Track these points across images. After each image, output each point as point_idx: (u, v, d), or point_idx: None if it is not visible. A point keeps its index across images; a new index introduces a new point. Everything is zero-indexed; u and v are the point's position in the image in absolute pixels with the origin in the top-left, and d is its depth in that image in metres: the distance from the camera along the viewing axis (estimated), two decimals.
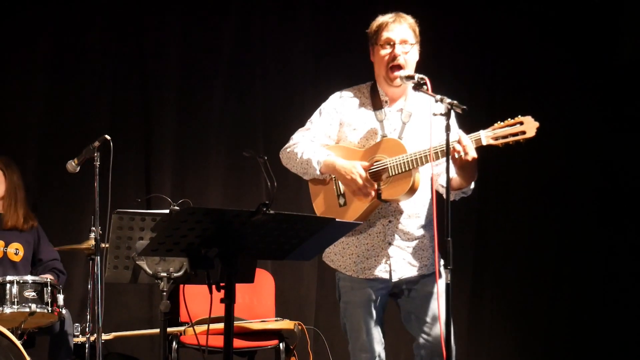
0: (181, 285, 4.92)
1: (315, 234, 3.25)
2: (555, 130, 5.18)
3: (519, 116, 3.74)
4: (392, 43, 3.91)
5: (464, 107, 3.59)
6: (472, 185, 3.95)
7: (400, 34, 3.92)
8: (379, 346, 3.99)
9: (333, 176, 3.98)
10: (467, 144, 3.68)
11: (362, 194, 3.85)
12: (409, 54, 3.93)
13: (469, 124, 3.87)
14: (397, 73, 3.89)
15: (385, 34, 3.93)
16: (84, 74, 6.10)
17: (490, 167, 4.21)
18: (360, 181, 3.83)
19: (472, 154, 3.69)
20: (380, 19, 3.97)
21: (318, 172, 3.95)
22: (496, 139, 3.73)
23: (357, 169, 3.86)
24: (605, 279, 6.31)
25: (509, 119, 3.74)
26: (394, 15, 3.96)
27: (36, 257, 5.42)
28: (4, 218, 5.39)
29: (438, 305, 3.82)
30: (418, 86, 3.80)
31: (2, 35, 6.01)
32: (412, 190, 3.84)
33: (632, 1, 6.21)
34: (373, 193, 3.84)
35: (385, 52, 3.92)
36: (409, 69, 3.92)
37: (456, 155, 3.68)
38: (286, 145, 4.07)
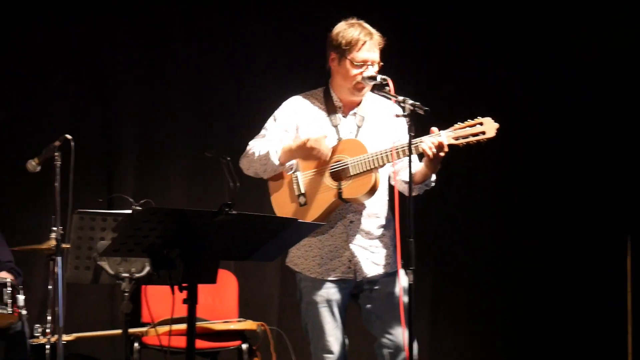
0: (143, 286, 4.94)
1: (278, 234, 3.26)
2: (514, 131, 5.24)
3: (479, 117, 3.79)
4: (365, 63, 3.91)
5: (427, 108, 3.64)
6: (434, 177, 3.97)
7: (374, 55, 3.93)
8: (341, 346, 4.00)
9: (293, 175, 3.98)
10: (441, 140, 3.74)
11: (325, 156, 3.89)
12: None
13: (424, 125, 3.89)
14: (364, 73, 3.91)
15: (360, 55, 3.90)
16: (43, 72, 6.05)
17: (452, 167, 4.25)
18: (318, 142, 3.86)
19: (446, 149, 3.75)
20: (351, 32, 3.93)
21: (277, 162, 3.95)
22: (457, 139, 3.79)
23: (311, 136, 3.89)
24: (564, 277, 6.40)
25: (469, 120, 3.79)
26: (368, 33, 3.93)
27: None
28: None
29: (401, 304, 3.85)
30: (380, 87, 3.84)
31: None
32: (373, 190, 3.87)
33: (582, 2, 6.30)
34: (326, 192, 3.88)
35: (357, 71, 3.91)
36: None
37: (429, 151, 3.73)
38: (244, 154, 4.07)
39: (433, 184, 4.02)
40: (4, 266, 5.30)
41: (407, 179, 3.69)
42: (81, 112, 6.08)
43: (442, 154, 3.76)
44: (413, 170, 3.71)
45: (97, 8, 6.15)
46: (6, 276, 5.06)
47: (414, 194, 3.69)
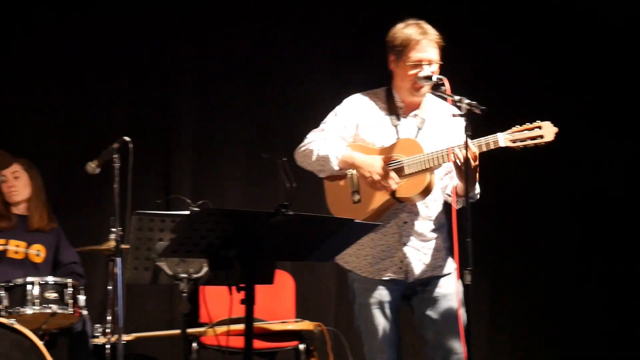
0: (201, 287, 4.97)
1: (334, 235, 3.26)
2: (570, 135, 5.19)
3: (538, 121, 3.75)
4: (421, 62, 3.87)
5: (484, 107, 3.61)
6: (478, 190, 3.92)
7: (430, 54, 3.88)
8: (395, 348, 3.98)
9: (349, 173, 3.97)
10: (470, 147, 3.65)
11: (382, 187, 3.84)
12: (435, 73, 3.89)
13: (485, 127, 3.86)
14: (420, 73, 3.88)
15: (415, 55, 3.86)
16: (102, 76, 6.14)
17: (507, 169, 4.21)
18: (378, 175, 3.83)
19: (475, 161, 3.68)
20: (407, 33, 3.89)
21: (336, 168, 3.94)
22: (514, 141, 3.74)
23: (376, 162, 3.85)
24: (625, 277, 6.30)
25: (528, 124, 3.75)
26: (421, 29, 3.89)
27: (56, 258, 5.46)
28: (29, 220, 5.43)
29: (459, 306, 3.83)
30: (436, 87, 3.82)
31: (20, 40, 6.07)
32: (427, 191, 3.83)
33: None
34: (394, 185, 3.83)
35: (414, 71, 3.87)
36: None
37: (458, 161, 3.68)
38: (300, 145, 4.06)
39: (478, 197, 3.95)
40: (67, 269, 5.39)
41: (450, 192, 3.68)
42: (139, 115, 6.16)
43: (473, 163, 3.68)
44: (454, 184, 3.72)
45: (156, 10, 6.23)
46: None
47: (458, 206, 3.68)
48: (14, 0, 6.09)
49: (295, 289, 5.89)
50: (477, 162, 3.69)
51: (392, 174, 3.84)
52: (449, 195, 3.85)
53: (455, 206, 3.64)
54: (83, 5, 6.14)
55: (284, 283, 5.84)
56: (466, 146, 3.61)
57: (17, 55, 6.08)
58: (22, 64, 6.07)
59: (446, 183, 3.93)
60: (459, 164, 3.68)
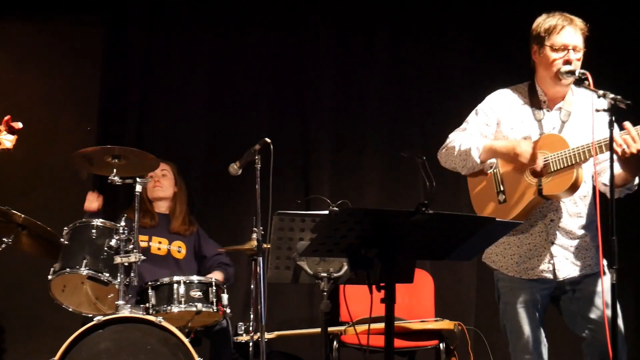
0: (341, 286, 4.98)
1: (475, 233, 3.21)
2: None
3: None
4: (567, 47, 3.82)
5: (629, 102, 3.50)
6: (637, 180, 3.82)
7: (575, 39, 3.84)
8: (541, 347, 3.93)
9: (493, 172, 3.94)
10: (634, 135, 3.57)
11: (531, 164, 3.78)
12: (579, 61, 3.84)
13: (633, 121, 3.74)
14: (562, 68, 3.81)
15: (559, 39, 3.83)
16: (243, 81, 6.27)
17: None
18: (526, 153, 3.76)
19: (637, 146, 3.58)
20: (552, 21, 3.86)
21: (478, 160, 3.93)
22: None
23: (520, 143, 3.81)
24: None
25: None
26: (567, 19, 3.85)
27: (200, 254, 5.60)
28: (171, 222, 5.60)
29: (604, 304, 3.74)
30: (579, 82, 3.75)
31: (167, 52, 6.26)
32: (575, 187, 3.76)
33: None
34: (541, 162, 3.77)
35: (557, 55, 3.83)
36: None
37: (619, 149, 3.59)
38: (443, 145, 4.07)
39: (636, 188, 3.87)
40: (213, 260, 5.52)
41: (608, 182, 3.55)
42: (279, 117, 6.26)
43: (633, 150, 3.58)
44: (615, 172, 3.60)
45: (295, 19, 6.32)
46: (214, 276, 5.25)
47: (616, 196, 3.56)
48: (158, 16, 6.28)
49: (435, 288, 5.87)
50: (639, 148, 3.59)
51: (539, 154, 3.77)
52: (606, 185, 3.74)
53: (612, 190, 3.51)
54: (220, 14, 6.28)
55: (424, 282, 5.83)
56: (611, 140, 3.50)
57: (164, 67, 6.27)
58: (169, 76, 6.25)
59: (602, 169, 3.82)
60: (626, 153, 3.59)
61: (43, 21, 6.35)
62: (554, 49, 3.84)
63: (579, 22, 3.86)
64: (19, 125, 3.40)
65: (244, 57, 6.28)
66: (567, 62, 3.82)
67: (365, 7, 6.34)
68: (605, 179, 3.79)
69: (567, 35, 3.83)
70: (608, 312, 3.64)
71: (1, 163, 3.44)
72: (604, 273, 3.70)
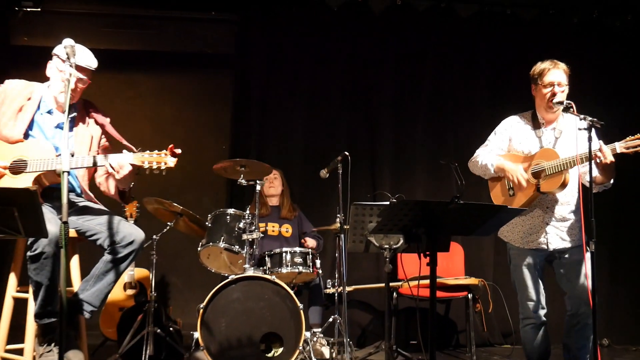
0: (399, 254, 4.98)
1: (493, 217, 3.20)
2: None
3: None
4: (552, 84, 3.79)
5: (602, 122, 3.46)
6: (612, 181, 3.77)
7: (559, 77, 3.80)
8: (540, 296, 3.90)
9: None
10: (606, 152, 3.56)
11: (522, 187, 3.79)
12: (563, 92, 3.81)
13: (605, 138, 3.68)
14: (554, 100, 3.78)
15: (547, 78, 3.80)
16: (328, 110, 6.20)
17: (625, 169, 3.98)
18: (522, 180, 3.79)
19: (610, 158, 3.56)
20: (542, 65, 3.84)
21: (493, 172, 3.95)
22: (627, 148, 3.56)
23: (519, 171, 3.81)
24: None
25: (639, 134, 3.56)
26: (552, 63, 3.82)
27: (302, 231, 5.61)
28: (280, 211, 5.62)
29: (586, 267, 3.70)
30: (566, 109, 3.71)
31: (277, 94, 6.17)
32: (564, 186, 3.73)
33: None
34: (524, 183, 3.76)
35: (547, 90, 3.81)
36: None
37: (598, 160, 3.56)
38: (472, 158, 4.07)
39: (610, 186, 3.81)
40: (310, 235, 5.54)
41: (589, 181, 3.53)
42: (354, 135, 6.20)
43: (607, 161, 3.54)
44: (594, 174, 3.57)
45: (365, 58, 6.21)
46: (311, 245, 5.26)
47: (595, 191, 3.52)
48: (273, 72, 6.16)
49: (464, 255, 5.81)
50: (612, 160, 3.56)
51: (529, 176, 3.77)
52: (588, 181, 3.69)
53: (591, 186, 3.49)
54: (323, 36, 6.17)
55: (457, 251, 5.78)
56: (590, 150, 3.47)
57: (275, 104, 6.19)
58: (278, 111, 6.18)
59: (585, 171, 3.77)
60: (602, 163, 3.56)
61: (193, 74, 6.42)
62: (544, 85, 3.81)
63: (562, 65, 3.82)
64: (178, 151, 3.45)
65: (328, 92, 6.21)
66: (554, 94, 3.78)
67: (413, 48, 6.26)
68: (586, 178, 3.75)
69: (552, 75, 3.80)
70: (589, 272, 3.59)
71: (167, 175, 3.50)
72: (587, 245, 3.65)
